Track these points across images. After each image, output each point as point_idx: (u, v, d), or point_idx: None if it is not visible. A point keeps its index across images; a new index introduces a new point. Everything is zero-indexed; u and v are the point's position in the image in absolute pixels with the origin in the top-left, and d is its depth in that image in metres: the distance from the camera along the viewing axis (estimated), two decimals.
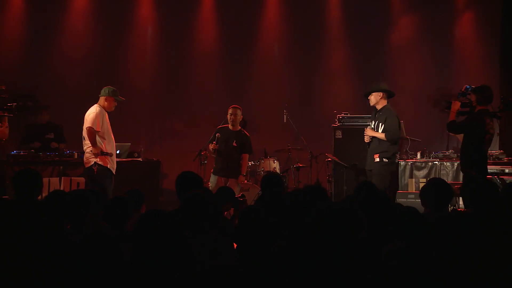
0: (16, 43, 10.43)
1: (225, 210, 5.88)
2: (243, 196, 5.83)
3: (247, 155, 8.19)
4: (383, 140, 7.36)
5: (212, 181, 8.06)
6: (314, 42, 10.97)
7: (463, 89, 7.49)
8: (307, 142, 9.35)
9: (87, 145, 7.30)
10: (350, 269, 2.86)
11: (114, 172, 7.37)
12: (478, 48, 10.49)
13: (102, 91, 7.49)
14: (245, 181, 8.40)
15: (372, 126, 7.53)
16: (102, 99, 7.45)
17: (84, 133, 7.33)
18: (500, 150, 9.21)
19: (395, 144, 7.45)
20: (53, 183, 8.41)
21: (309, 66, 11.06)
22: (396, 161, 7.58)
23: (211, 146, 7.97)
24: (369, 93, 7.62)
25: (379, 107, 7.54)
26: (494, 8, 10.47)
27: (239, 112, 8.08)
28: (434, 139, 10.06)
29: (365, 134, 7.57)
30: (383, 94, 7.56)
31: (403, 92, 10.49)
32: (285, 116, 9.50)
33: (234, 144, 8.02)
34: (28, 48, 10.44)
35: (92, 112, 7.33)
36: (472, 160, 7.01)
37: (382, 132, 7.40)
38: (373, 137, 7.45)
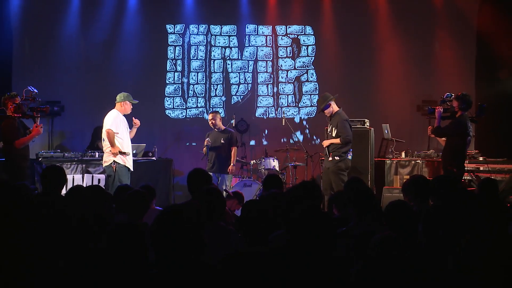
0: (43, 51, 10.45)
1: (231, 207, 5.95)
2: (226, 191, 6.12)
3: (235, 148, 8.47)
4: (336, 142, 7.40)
5: None
6: (312, 58, 10.97)
7: (444, 96, 7.55)
8: (303, 143, 9.39)
9: (106, 145, 7.35)
10: (341, 260, 2.86)
11: (130, 169, 7.42)
12: (455, 60, 10.52)
13: (118, 97, 7.55)
14: (234, 170, 8.55)
15: (329, 130, 7.56)
16: (118, 104, 7.50)
17: (104, 135, 7.38)
18: (476, 150, 9.25)
19: (347, 144, 7.41)
20: (76, 179, 8.46)
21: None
22: (348, 157, 7.42)
23: (204, 150, 8.36)
24: (322, 111, 7.60)
25: (329, 114, 7.56)
26: (469, 24, 10.51)
27: (215, 116, 8.41)
28: (416, 140, 10.10)
29: (323, 144, 7.61)
30: (331, 103, 7.54)
31: (390, 98, 10.58)
32: (283, 120, 9.55)
33: (222, 141, 8.34)
34: (53, 58, 10.44)
35: (110, 116, 7.39)
36: (455, 160, 7.08)
37: (336, 136, 7.42)
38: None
